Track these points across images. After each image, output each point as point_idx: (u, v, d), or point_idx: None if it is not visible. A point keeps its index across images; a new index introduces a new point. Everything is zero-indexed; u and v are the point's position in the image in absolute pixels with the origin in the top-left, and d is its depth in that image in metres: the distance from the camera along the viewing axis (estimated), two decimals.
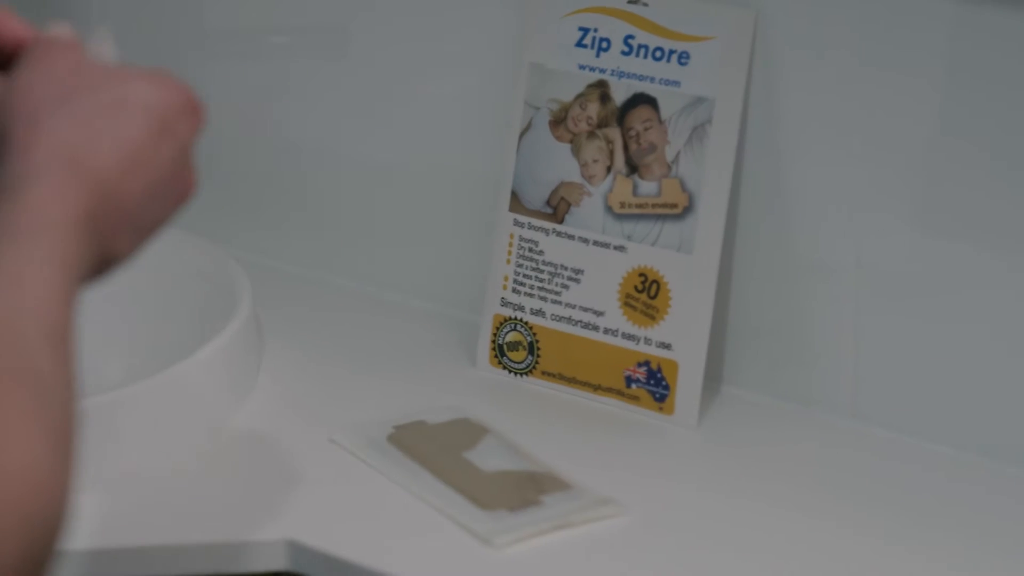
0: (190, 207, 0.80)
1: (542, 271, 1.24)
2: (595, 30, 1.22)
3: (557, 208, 1.23)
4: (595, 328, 1.23)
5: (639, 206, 1.21)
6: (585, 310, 1.24)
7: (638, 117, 1.21)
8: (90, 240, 0.72)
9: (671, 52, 1.20)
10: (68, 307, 0.69)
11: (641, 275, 1.22)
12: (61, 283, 0.69)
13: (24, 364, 0.65)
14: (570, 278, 1.24)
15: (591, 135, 1.22)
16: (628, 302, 1.22)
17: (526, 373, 1.26)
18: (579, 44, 1.22)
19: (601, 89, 1.22)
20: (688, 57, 1.20)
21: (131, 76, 0.77)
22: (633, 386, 1.23)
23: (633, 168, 1.21)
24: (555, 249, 1.24)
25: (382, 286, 1.38)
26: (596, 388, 1.24)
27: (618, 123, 1.21)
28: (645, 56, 1.21)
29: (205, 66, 1.40)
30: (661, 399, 1.22)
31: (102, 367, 1.20)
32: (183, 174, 0.78)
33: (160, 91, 0.77)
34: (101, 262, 0.74)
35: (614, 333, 1.23)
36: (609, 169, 1.21)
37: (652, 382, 1.22)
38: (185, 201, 0.79)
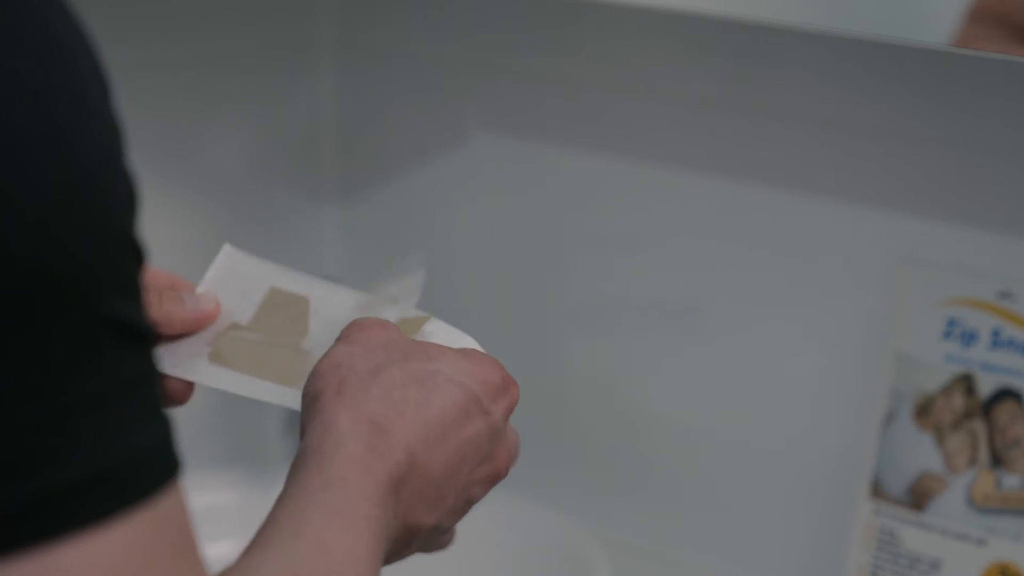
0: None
1: (900, 561, 1.23)
2: (963, 322, 1.21)
3: (918, 498, 1.22)
4: None
5: (1002, 500, 1.19)
6: None
7: (1004, 411, 1.20)
8: (395, 508, 0.71)
9: None
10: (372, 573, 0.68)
11: (1002, 571, 1.19)
12: (366, 550, 0.68)
13: None
14: (928, 569, 1.22)
15: (955, 427, 1.21)
16: None
17: None
18: (946, 335, 1.22)
19: (967, 381, 1.21)
20: None
21: (443, 351, 0.77)
22: None
23: (997, 461, 1.19)
24: (914, 539, 1.22)
25: (724, 561, 1.38)
26: None
27: (983, 416, 1.20)
28: (1013, 350, 1.20)
29: (561, 337, 1.43)
30: None
31: None
32: (495, 452, 0.77)
33: (472, 367, 0.76)
34: (403, 531, 0.73)
35: None
36: (972, 461, 1.20)
37: None
38: (496, 480, 0.78)
